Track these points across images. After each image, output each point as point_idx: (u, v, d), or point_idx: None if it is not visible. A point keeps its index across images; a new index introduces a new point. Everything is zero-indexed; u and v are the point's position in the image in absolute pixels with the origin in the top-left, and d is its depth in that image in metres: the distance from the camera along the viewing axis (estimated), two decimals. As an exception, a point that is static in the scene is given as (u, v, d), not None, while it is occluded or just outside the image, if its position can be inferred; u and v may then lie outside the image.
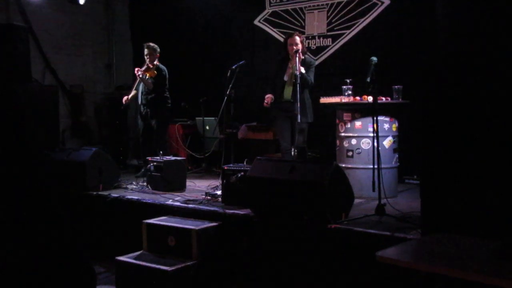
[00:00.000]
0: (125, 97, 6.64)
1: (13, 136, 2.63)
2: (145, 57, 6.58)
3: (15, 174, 2.61)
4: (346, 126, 5.26)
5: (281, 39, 7.12)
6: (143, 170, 6.32)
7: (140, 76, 6.41)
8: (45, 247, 2.59)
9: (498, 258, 2.37)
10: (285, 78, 5.52)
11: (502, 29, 3.06)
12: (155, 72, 6.52)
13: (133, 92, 6.69)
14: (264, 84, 6.41)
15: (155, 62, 6.56)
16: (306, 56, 5.77)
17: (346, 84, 5.26)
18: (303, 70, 5.35)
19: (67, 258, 2.69)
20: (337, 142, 5.41)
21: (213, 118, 6.84)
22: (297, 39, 5.60)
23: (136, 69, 6.50)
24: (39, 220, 2.65)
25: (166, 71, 6.63)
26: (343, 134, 5.30)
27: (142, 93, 6.65)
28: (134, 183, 6.14)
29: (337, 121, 5.41)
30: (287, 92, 5.51)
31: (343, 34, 6.82)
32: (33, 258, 2.52)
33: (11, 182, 2.59)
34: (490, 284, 2.14)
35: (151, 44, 6.62)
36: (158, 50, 6.60)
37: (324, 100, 5.45)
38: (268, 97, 5.59)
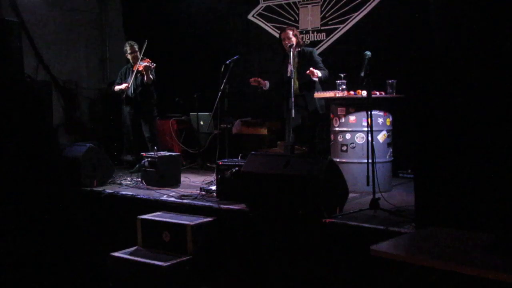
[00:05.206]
0: (125, 85, 6.61)
1: (6, 132, 2.62)
2: (136, 53, 6.61)
3: (15, 171, 2.59)
4: (340, 121, 5.26)
5: (275, 34, 7.12)
6: (137, 165, 6.31)
7: (153, 67, 6.40)
8: (47, 238, 2.59)
9: (491, 252, 2.39)
10: (288, 73, 5.39)
11: (497, 23, 3.07)
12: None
13: (125, 85, 6.66)
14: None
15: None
16: (303, 47, 5.78)
17: (340, 78, 5.26)
18: (319, 74, 5.38)
19: (66, 249, 2.69)
20: (332, 136, 5.42)
21: (207, 113, 6.82)
22: (290, 33, 5.61)
23: (149, 60, 6.48)
24: (44, 213, 2.64)
25: None
26: (337, 128, 5.30)
27: (134, 88, 6.65)
28: (128, 178, 6.14)
29: (331, 115, 5.41)
30: (295, 87, 5.51)
31: (337, 28, 6.82)
32: (34, 249, 2.52)
33: (10, 179, 2.58)
34: (483, 277, 2.15)
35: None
36: None
37: (318, 94, 5.46)
38: (262, 82, 5.80)
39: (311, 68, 5.34)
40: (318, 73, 5.36)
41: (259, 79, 5.83)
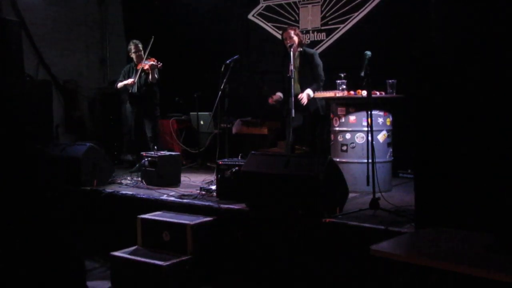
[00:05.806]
0: (131, 80, 6.59)
1: (6, 132, 2.62)
2: (140, 52, 6.61)
3: (9, 170, 2.59)
4: (340, 121, 5.27)
5: (276, 34, 7.13)
6: (137, 165, 6.31)
7: (159, 66, 6.39)
8: (38, 242, 2.58)
9: (491, 251, 2.39)
10: (289, 73, 5.31)
11: (497, 22, 3.07)
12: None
13: (131, 80, 6.63)
14: (260, 79, 6.44)
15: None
16: (305, 48, 5.78)
17: (340, 78, 5.26)
18: (309, 96, 5.42)
19: (57, 252, 2.68)
20: (332, 136, 5.42)
21: (207, 113, 6.83)
22: (291, 32, 5.62)
23: (155, 59, 6.46)
24: (32, 215, 2.64)
25: None
26: (337, 128, 5.30)
27: (138, 87, 6.64)
28: (128, 178, 6.13)
29: (331, 115, 5.41)
30: (296, 87, 5.49)
31: (337, 28, 6.82)
32: (24, 252, 2.51)
33: (6, 179, 2.58)
34: (483, 277, 2.15)
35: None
36: None
37: (318, 94, 5.46)
38: (276, 96, 5.78)
39: (302, 98, 5.38)
40: (305, 98, 5.40)
41: (273, 96, 5.84)
